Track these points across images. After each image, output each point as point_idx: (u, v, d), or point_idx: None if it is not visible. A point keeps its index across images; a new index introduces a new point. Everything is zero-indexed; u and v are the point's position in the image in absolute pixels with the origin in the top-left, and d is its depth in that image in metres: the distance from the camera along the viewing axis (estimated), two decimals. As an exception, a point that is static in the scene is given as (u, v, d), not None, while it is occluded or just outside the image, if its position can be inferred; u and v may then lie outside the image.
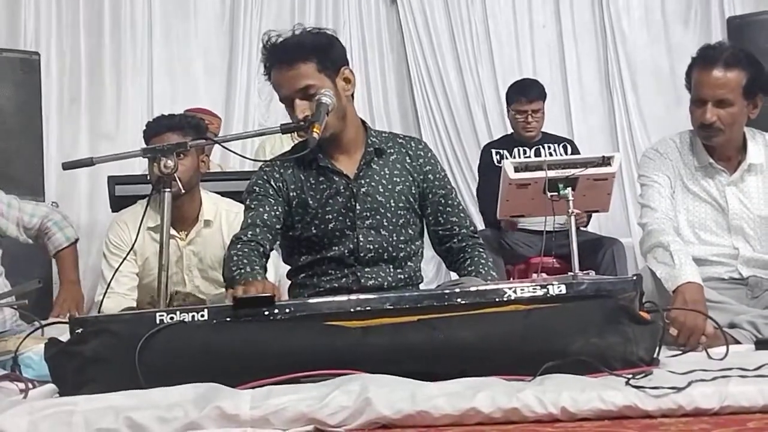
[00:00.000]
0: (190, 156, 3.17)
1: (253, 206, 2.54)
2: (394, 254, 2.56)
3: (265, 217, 2.51)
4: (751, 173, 2.84)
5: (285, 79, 2.46)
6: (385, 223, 2.54)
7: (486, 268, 2.58)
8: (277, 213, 2.53)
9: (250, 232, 2.48)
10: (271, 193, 2.54)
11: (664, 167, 2.88)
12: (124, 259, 2.91)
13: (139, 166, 4.50)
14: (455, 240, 2.66)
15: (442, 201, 2.64)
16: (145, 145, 3.07)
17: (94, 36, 5.76)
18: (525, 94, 4.70)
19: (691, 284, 2.52)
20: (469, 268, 2.59)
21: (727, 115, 2.74)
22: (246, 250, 2.43)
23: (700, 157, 2.86)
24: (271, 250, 2.54)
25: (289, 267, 2.67)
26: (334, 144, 2.53)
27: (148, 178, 3.27)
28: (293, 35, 2.50)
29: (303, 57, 2.44)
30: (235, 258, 2.41)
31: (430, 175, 2.63)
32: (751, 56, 2.79)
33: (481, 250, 2.65)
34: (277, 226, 2.53)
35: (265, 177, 2.57)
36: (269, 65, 2.51)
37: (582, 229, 4.37)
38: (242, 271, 2.34)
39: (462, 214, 2.68)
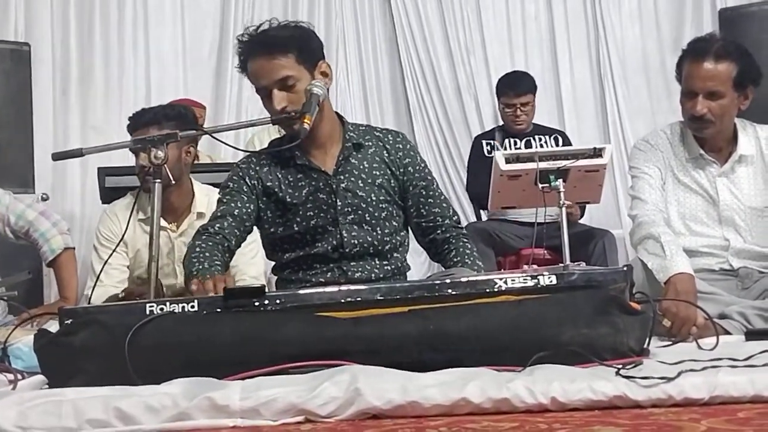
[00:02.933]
0: (171, 146, 3.14)
1: (225, 200, 2.54)
2: (379, 248, 2.54)
3: (236, 213, 2.49)
4: (741, 164, 2.84)
5: (264, 70, 2.43)
6: (368, 218, 2.52)
7: (472, 258, 2.57)
8: (249, 210, 2.51)
9: (217, 225, 2.47)
10: (245, 189, 2.53)
11: (654, 159, 2.87)
12: (114, 250, 2.90)
13: (130, 158, 4.48)
14: (439, 231, 2.63)
15: (423, 192, 2.62)
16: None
17: (85, 27, 5.72)
18: (513, 88, 4.71)
19: (683, 275, 2.52)
20: (455, 259, 2.57)
21: (718, 107, 2.74)
22: (210, 243, 2.43)
23: (690, 149, 2.86)
24: (237, 246, 2.53)
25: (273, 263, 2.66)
26: (310, 140, 2.45)
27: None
28: (271, 27, 2.48)
29: (282, 48, 2.42)
30: (197, 250, 2.40)
31: (410, 168, 2.60)
32: (742, 48, 2.80)
33: (465, 240, 2.64)
34: (247, 223, 2.52)
35: (240, 174, 2.55)
36: (246, 57, 2.48)
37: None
38: (200, 267, 2.33)
39: (444, 205, 2.65)
